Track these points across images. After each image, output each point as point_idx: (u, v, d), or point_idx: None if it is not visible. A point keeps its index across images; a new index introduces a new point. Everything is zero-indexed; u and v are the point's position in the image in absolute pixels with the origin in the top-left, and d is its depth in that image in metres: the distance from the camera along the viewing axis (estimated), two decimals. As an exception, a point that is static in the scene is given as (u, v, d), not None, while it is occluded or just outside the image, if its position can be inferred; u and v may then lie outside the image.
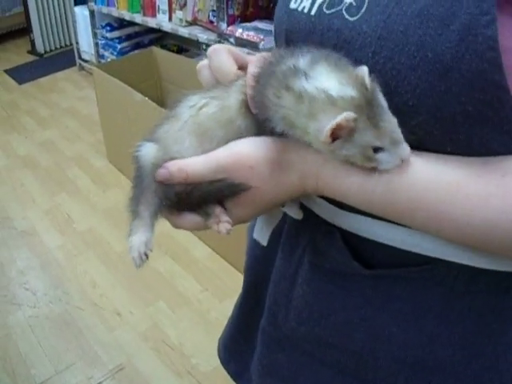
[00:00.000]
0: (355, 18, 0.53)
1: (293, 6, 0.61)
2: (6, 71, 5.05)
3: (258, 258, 0.83)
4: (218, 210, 0.59)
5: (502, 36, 0.43)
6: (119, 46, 4.19)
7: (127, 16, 3.94)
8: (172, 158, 0.59)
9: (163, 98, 3.33)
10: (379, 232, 0.58)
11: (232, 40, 2.87)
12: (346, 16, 0.54)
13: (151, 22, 3.71)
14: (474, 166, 0.49)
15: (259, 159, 0.56)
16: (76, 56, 4.92)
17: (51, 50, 5.41)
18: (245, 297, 0.90)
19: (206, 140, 0.59)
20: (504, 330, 0.57)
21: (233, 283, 2.29)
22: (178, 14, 3.47)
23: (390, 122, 0.49)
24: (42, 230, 2.83)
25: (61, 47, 5.47)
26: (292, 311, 0.71)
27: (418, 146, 0.51)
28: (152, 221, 0.60)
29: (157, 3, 3.67)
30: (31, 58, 5.31)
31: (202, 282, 2.39)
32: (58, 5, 5.22)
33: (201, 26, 3.33)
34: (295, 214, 0.66)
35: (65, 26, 5.35)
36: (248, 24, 2.95)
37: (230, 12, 3.03)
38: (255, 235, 0.75)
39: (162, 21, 3.63)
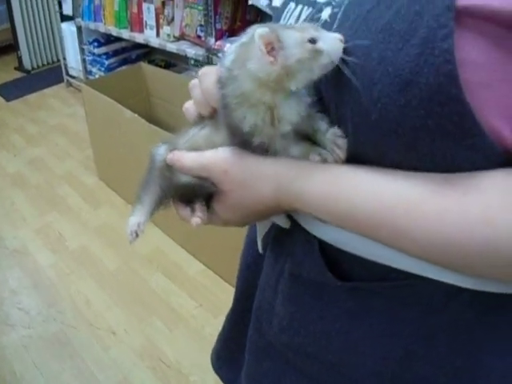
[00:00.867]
0: None
1: (282, 22, 0.65)
2: (-7, 88, 5.04)
3: (249, 265, 0.85)
4: (198, 205, 0.67)
5: (460, 49, 0.43)
6: (107, 62, 4.18)
7: (114, 32, 3.94)
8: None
9: (152, 113, 3.33)
10: (356, 245, 0.58)
11: (220, 55, 2.88)
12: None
13: (139, 38, 3.71)
14: (434, 182, 0.49)
15: (234, 165, 0.61)
16: (64, 72, 4.91)
17: (38, 67, 5.39)
18: (236, 304, 0.92)
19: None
20: (480, 351, 0.56)
21: (227, 298, 2.25)
22: (166, 29, 3.48)
23: (303, 23, 0.56)
24: (34, 248, 2.81)
25: (48, 63, 5.45)
26: (275, 318, 0.72)
27: (380, 160, 0.52)
28: (151, 208, 0.69)
29: (144, 19, 3.67)
30: (18, 74, 5.29)
31: (196, 298, 2.38)
32: (45, 21, 5.20)
33: (188, 41, 3.34)
34: (282, 222, 0.68)
35: (52, 42, 5.33)
36: (236, 38, 2.96)
37: (218, 26, 3.05)
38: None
39: (149, 36, 3.64)
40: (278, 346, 0.73)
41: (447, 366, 0.58)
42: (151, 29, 3.63)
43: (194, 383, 1.99)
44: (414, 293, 0.57)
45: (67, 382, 2.03)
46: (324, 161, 0.56)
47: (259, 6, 2.57)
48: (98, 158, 3.30)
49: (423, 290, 0.56)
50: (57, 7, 4.61)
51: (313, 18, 0.58)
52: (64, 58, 4.83)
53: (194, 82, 0.67)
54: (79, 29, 4.36)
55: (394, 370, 0.60)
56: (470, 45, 0.44)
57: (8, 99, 4.77)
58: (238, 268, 0.90)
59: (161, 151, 0.69)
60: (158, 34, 3.59)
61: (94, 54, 4.28)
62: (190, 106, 0.70)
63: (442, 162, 0.49)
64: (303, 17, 0.61)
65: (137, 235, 0.67)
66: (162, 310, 2.34)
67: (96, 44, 4.23)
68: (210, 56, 3.00)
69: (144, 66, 3.38)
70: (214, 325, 2.20)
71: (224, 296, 2.34)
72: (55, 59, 5.37)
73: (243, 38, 0.57)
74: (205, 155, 0.63)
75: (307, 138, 0.59)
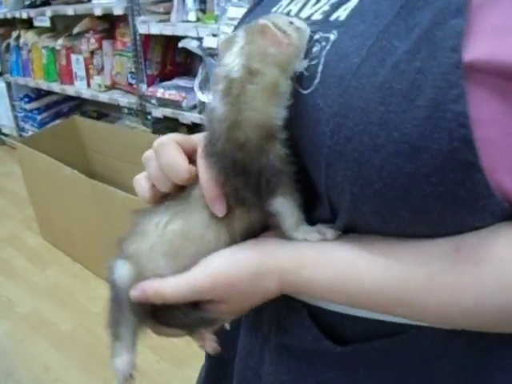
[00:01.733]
0: (308, 91, 0.49)
1: None
2: None
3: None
4: (206, 335, 0.61)
5: (472, 107, 0.40)
6: (39, 117, 4.12)
7: (44, 85, 3.90)
8: (148, 277, 0.58)
9: (90, 166, 3.30)
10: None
11: (154, 101, 2.88)
12: (299, 88, 0.51)
13: (69, 90, 3.68)
14: (446, 254, 0.47)
15: (239, 276, 0.54)
16: (-5, 131, 4.81)
17: (-31, 127, 5.25)
18: (210, 368, 0.83)
19: (179, 258, 0.58)
20: None
21: (188, 349, 2.24)
22: (96, 79, 3.47)
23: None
24: (-18, 318, 2.69)
25: (-22, 123, 5.32)
26: None
27: (383, 227, 0.49)
28: (133, 340, 0.61)
29: (73, 70, 3.65)
30: None
31: (156, 352, 2.34)
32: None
33: (120, 89, 3.33)
34: None
35: (-20, 100, 5.21)
36: (169, 83, 2.99)
37: (149, 72, 3.06)
38: None
39: (80, 88, 3.61)
40: None
41: None
42: (81, 80, 3.61)
43: None
44: (414, 344, 0.54)
45: None
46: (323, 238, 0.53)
47: (189, 48, 2.61)
48: (40, 216, 3.21)
49: (422, 339, 0.53)
50: (-17, 64, 4.52)
51: None
52: (-5, 116, 4.73)
53: (149, 154, 0.60)
54: (8, 84, 4.31)
55: None
56: (478, 102, 0.41)
57: None
58: None
59: (121, 273, 0.59)
60: (88, 85, 3.57)
61: (25, 110, 4.22)
62: (141, 180, 0.61)
63: (451, 225, 0.46)
64: None
65: (131, 376, 0.60)
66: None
67: (27, 99, 4.18)
68: (143, 103, 2.99)
69: (78, 119, 3.35)
70: (180, 378, 2.14)
71: (184, 346, 2.25)
72: (-14, 118, 5.24)
73: (238, 42, 0.52)
74: (196, 278, 0.55)
75: None
